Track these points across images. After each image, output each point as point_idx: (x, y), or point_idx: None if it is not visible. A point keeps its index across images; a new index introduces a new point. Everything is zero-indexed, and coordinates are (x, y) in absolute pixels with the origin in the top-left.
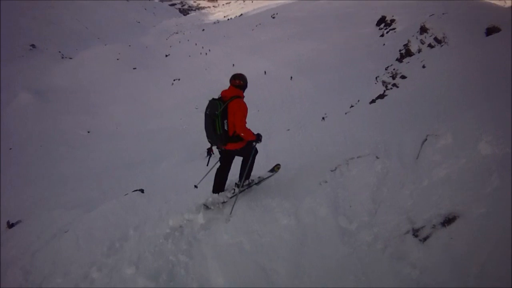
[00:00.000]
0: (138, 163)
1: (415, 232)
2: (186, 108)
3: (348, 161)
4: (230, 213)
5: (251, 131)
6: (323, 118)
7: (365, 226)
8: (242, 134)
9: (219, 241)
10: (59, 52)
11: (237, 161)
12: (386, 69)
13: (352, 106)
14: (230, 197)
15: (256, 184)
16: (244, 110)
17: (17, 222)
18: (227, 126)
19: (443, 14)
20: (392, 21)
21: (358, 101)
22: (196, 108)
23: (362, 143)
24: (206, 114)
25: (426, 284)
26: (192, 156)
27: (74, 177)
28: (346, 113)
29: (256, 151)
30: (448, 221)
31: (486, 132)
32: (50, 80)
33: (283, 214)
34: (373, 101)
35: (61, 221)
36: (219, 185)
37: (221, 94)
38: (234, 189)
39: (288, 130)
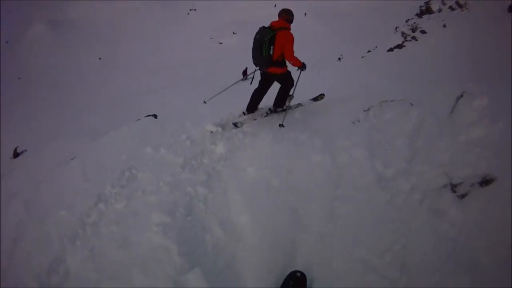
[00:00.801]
0: (149, 91)
1: (453, 188)
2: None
3: (381, 104)
4: (282, 122)
5: (298, 59)
6: (339, 58)
7: (402, 173)
8: (291, 62)
9: (242, 174)
10: None
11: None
12: (406, 22)
13: (369, 51)
14: (264, 116)
15: (291, 108)
16: (292, 40)
17: (23, 152)
18: (273, 51)
19: None
20: None
21: (376, 47)
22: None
23: (382, 92)
24: (255, 39)
25: (463, 246)
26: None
27: (84, 105)
28: (362, 57)
29: (292, 84)
30: (486, 182)
31: None
32: (65, 12)
33: (314, 150)
34: (391, 50)
35: (67, 149)
36: (254, 104)
37: (271, 24)
38: (267, 113)
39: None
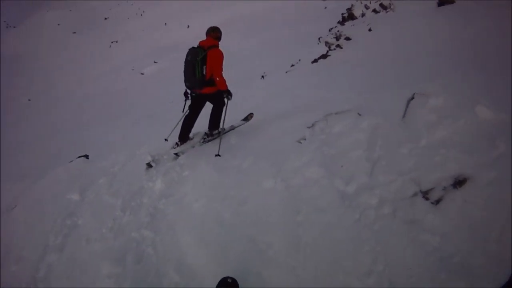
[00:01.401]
0: (81, 126)
1: (425, 195)
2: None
3: (326, 117)
4: (218, 152)
5: (225, 81)
6: (262, 76)
7: (365, 188)
8: (218, 79)
9: (188, 210)
10: (4, 21)
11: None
12: (329, 31)
13: (292, 65)
14: (201, 142)
15: (225, 132)
16: (222, 57)
17: None
18: (205, 71)
19: None
20: None
21: (299, 60)
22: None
23: (317, 104)
24: (187, 60)
25: (449, 253)
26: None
27: (18, 145)
28: (286, 72)
29: (224, 103)
30: (459, 183)
31: (480, 96)
32: None
33: (263, 176)
34: (315, 61)
35: (8, 195)
36: (186, 132)
37: (199, 43)
38: (204, 138)
39: None
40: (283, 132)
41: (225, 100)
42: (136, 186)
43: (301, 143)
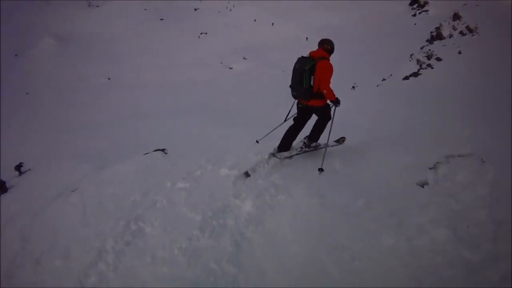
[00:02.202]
0: (154, 115)
1: None
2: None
3: (448, 159)
4: (322, 165)
5: (333, 91)
6: (353, 87)
7: (489, 258)
8: (325, 91)
9: (283, 249)
10: None
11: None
12: (421, 49)
13: (384, 80)
14: (296, 154)
15: (321, 148)
16: (331, 70)
17: (26, 171)
18: (313, 82)
19: (476, 5)
20: (426, 3)
21: (391, 75)
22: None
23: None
24: (295, 69)
25: None
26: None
27: (89, 124)
28: (377, 86)
29: (330, 118)
30: None
31: None
32: (75, 27)
33: (382, 227)
34: (406, 78)
35: (70, 175)
36: (288, 143)
37: (309, 53)
38: (302, 147)
39: None
40: (399, 169)
41: (331, 113)
42: (221, 202)
43: (423, 187)
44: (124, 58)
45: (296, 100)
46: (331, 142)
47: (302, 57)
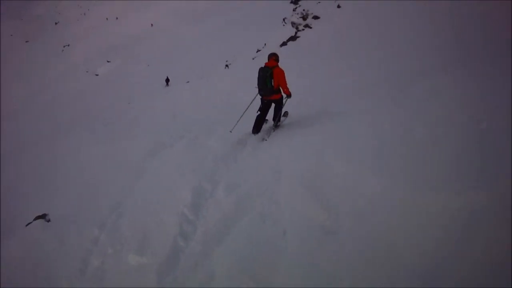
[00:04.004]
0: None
1: None
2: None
3: None
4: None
5: (289, 89)
6: (226, 65)
7: None
8: (285, 89)
9: None
10: None
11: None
12: (294, 10)
13: (259, 51)
14: (273, 129)
15: (282, 121)
16: (283, 73)
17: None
18: (273, 83)
19: None
20: None
21: (265, 44)
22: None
23: None
24: (260, 76)
25: None
26: None
27: None
28: (253, 59)
29: (283, 105)
30: None
31: None
32: None
33: None
34: (284, 44)
35: None
36: (259, 126)
37: (265, 64)
38: (273, 128)
39: (188, 82)
40: None
41: (284, 101)
42: None
43: None
44: None
45: (260, 96)
46: (282, 118)
47: (262, 67)
